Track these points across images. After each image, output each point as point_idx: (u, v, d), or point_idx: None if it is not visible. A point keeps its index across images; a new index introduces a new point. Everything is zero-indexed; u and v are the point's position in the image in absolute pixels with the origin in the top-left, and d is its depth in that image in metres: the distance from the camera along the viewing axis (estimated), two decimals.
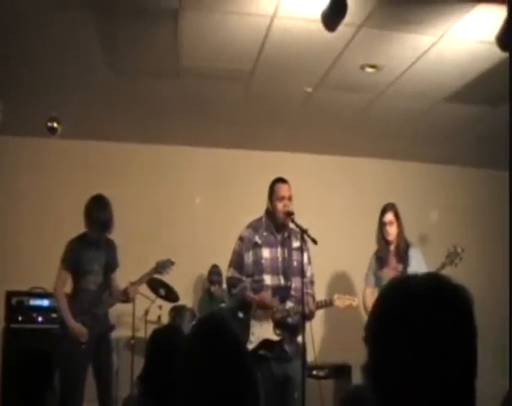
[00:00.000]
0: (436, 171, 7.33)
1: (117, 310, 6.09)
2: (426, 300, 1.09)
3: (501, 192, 7.35)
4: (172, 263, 4.81)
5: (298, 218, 4.15)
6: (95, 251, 4.61)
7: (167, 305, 6.00)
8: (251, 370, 1.58)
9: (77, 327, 4.44)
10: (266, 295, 4.11)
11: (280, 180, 4.30)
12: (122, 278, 4.84)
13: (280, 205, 4.18)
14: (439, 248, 5.21)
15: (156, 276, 4.97)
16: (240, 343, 1.61)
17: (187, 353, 1.56)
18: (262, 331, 4.06)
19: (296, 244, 4.22)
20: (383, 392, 1.10)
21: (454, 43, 4.23)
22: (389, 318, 1.12)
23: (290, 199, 4.22)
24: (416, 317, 1.07)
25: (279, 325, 4.12)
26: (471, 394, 1.07)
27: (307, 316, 4.03)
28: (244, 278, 4.20)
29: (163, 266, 4.77)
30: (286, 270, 4.18)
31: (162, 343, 2.21)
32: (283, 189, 4.23)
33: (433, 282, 1.13)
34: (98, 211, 4.56)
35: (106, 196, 4.67)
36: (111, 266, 4.73)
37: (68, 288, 4.68)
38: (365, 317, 5.21)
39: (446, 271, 4.68)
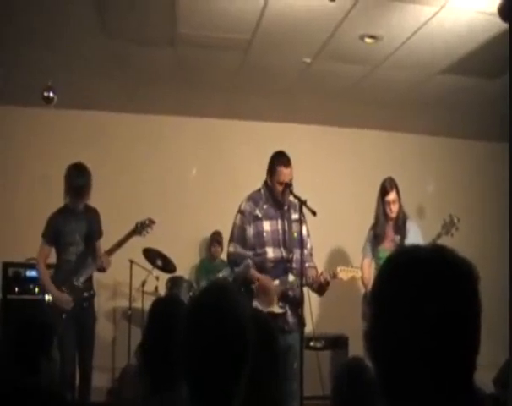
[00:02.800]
0: (433, 143, 7.32)
1: (115, 281, 6.13)
2: (429, 270, 1.08)
3: (498, 164, 7.38)
4: (153, 222, 4.78)
5: (295, 190, 4.13)
6: (74, 222, 4.62)
7: (164, 276, 6.01)
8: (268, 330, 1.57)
9: (61, 296, 4.50)
10: (269, 281, 4.09)
11: (283, 163, 4.13)
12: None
13: (280, 188, 4.14)
14: (436, 219, 5.22)
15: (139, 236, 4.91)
16: (247, 309, 1.61)
17: (193, 318, 1.55)
18: (265, 304, 4.06)
19: (295, 215, 4.19)
20: (382, 360, 1.10)
21: (455, 13, 4.19)
22: (391, 286, 1.12)
23: (291, 181, 4.17)
24: (418, 286, 1.07)
25: (282, 298, 4.12)
26: (472, 365, 1.07)
27: (323, 288, 4.04)
28: (248, 252, 4.16)
29: (142, 225, 4.74)
30: (287, 242, 4.17)
31: (163, 313, 2.20)
32: (285, 175, 4.11)
33: (438, 253, 1.13)
34: (75, 177, 4.55)
35: (85, 164, 4.65)
36: (92, 235, 4.72)
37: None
38: (362, 289, 5.24)
39: (442, 241, 4.71)
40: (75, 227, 4.62)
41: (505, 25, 3.91)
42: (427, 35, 4.55)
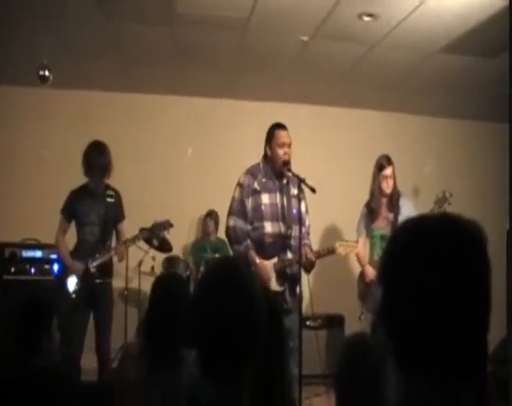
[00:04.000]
0: (433, 123, 7.30)
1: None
2: (435, 242, 1.06)
3: (497, 144, 7.38)
4: (171, 225, 4.71)
5: (293, 168, 4.11)
6: (92, 202, 4.56)
7: (161, 256, 6.00)
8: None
9: (72, 264, 4.49)
10: (265, 269, 4.06)
11: (280, 126, 4.22)
12: None
13: (280, 152, 4.12)
14: (431, 198, 5.22)
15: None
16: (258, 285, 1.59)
17: (204, 295, 1.53)
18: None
19: (294, 191, 4.15)
20: (395, 335, 1.09)
21: None
22: (400, 257, 1.10)
23: (289, 146, 4.16)
24: (428, 255, 1.05)
25: (280, 275, 4.11)
26: (484, 332, 1.06)
27: (306, 267, 4.02)
28: (248, 226, 4.14)
29: (159, 227, 4.66)
30: (286, 217, 4.13)
31: (165, 291, 2.19)
32: (283, 136, 4.16)
33: (446, 220, 1.11)
34: (96, 155, 4.49)
35: (104, 142, 4.61)
36: (113, 217, 4.66)
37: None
38: (358, 269, 5.25)
39: None
40: (92, 207, 4.56)
41: (504, 3, 3.89)
42: (425, 14, 4.52)
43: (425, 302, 1.04)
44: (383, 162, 5.01)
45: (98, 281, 4.57)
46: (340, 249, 4.15)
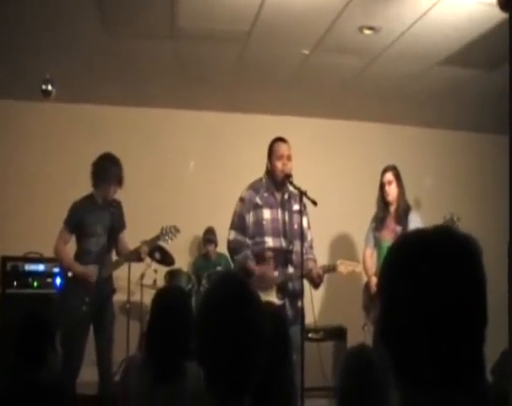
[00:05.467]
0: (433, 135, 7.32)
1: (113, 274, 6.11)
2: (434, 256, 1.08)
3: (496, 156, 7.39)
4: (177, 230, 4.71)
5: (295, 181, 4.13)
6: (98, 213, 4.55)
7: (163, 269, 6.00)
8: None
9: (85, 269, 4.40)
10: (268, 268, 4.08)
11: (280, 139, 4.27)
12: None
13: (279, 164, 4.15)
14: (434, 212, 5.22)
15: (161, 243, 4.90)
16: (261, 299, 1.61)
17: (209, 309, 1.54)
18: (264, 295, 4.03)
19: (296, 206, 4.18)
20: (394, 344, 1.10)
21: (454, 4, 4.18)
22: (398, 270, 1.12)
23: (289, 158, 4.18)
24: (425, 269, 1.07)
25: (281, 289, 4.11)
26: (481, 344, 1.08)
27: (315, 282, 4.03)
28: (247, 240, 4.16)
29: (167, 231, 4.68)
30: (288, 232, 4.15)
31: (168, 303, 2.20)
32: (282, 148, 4.20)
33: (443, 234, 1.13)
34: (109, 166, 4.51)
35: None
36: (116, 227, 4.66)
37: (72, 251, 4.62)
38: (362, 280, 5.24)
39: None
40: (99, 217, 4.54)
41: (504, 16, 3.90)
42: (425, 27, 4.55)
43: (422, 314, 1.05)
44: (385, 169, 5.04)
45: (105, 292, 4.54)
46: (342, 268, 4.16)
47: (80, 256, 4.52)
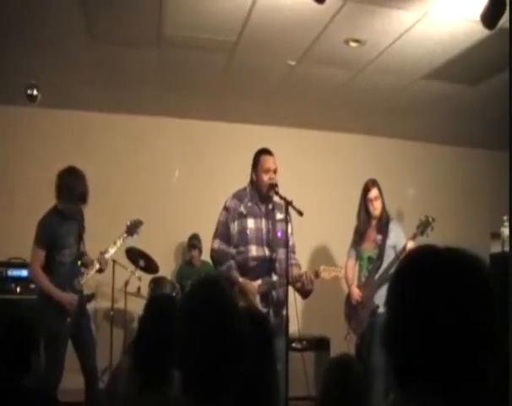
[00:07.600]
0: (415, 148, 7.42)
1: (97, 281, 6.09)
2: (446, 270, 1.13)
3: (477, 169, 7.51)
4: (141, 223, 4.77)
5: (279, 191, 4.16)
6: (68, 225, 4.49)
7: (147, 277, 5.99)
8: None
9: (65, 296, 4.34)
10: (250, 285, 4.08)
11: (266, 152, 4.27)
12: (97, 251, 4.70)
13: (265, 178, 4.17)
14: (416, 221, 5.27)
15: (132, 245, 4.89)
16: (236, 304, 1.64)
17: (188, 311, 1.57)
18: (247, 303, 4.00)
19: (280, 216, 4.21)
20: (397, 353, 1.14)
21: (438, 20, 4.25)
22: (409, 284, 1.16)
23: (275, 171, 4.20)
24: (434, 285, 1.11)
25: (264, 298, 4.12)
26: (483, 362, 1.10)
27: (305, 289, 4.05)
28: (231, 249, 4.17)
29: (135, 224, 4.72)
30: (271, 241, 4.18)
31: (158, 312, 2.22)
32: (269, 162, 4.21)
33: (454, 254, 1.17)
34: (74, 183, 4.39)
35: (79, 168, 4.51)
36: (82, 233, 4.65)
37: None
38: (344, 291, 5.28)
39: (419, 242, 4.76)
40: (69, 229, 4.49)
41: (487, 32, 3.99)
42: (410, 41, 4.62)
43: (428, 328, 1.09)
44: (368, 185, 5.08)
45: (85, 297, 4.57)
46: (324, 274, 4.15)
47: (54, 269, 4.42)
